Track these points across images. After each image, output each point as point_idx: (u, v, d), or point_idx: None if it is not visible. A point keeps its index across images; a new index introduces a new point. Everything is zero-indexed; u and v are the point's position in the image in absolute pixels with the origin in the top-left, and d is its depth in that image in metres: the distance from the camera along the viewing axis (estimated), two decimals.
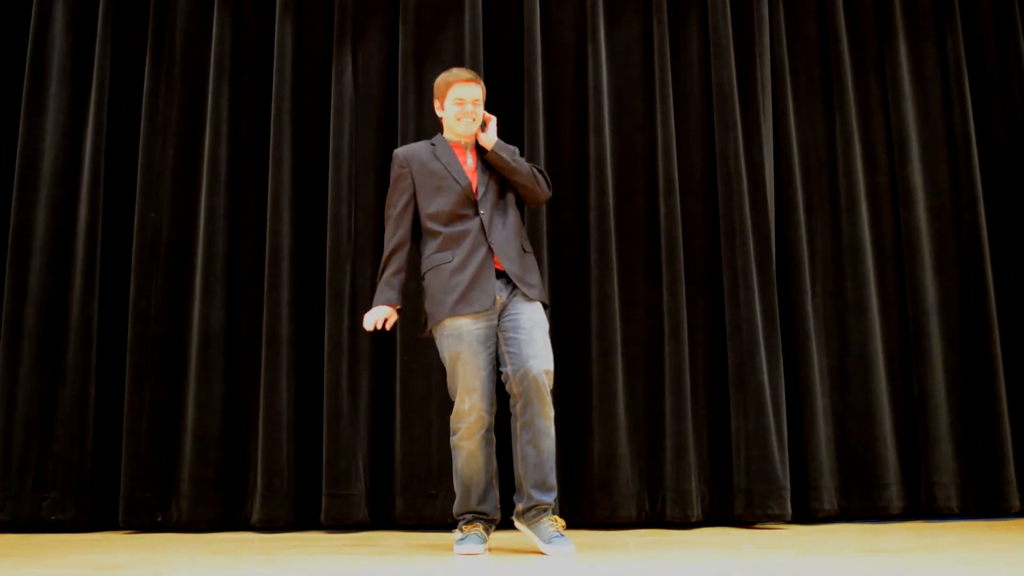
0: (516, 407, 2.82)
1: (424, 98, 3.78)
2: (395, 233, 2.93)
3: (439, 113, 3.06)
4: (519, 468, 2.81)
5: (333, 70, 3.76)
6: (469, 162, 2.99)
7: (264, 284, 3.63)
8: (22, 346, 3.66)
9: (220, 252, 3.69)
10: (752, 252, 3.67)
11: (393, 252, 2.91)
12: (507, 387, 2.86)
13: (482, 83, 3.03)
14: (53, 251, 3.74)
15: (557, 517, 2.81)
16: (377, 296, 2.90)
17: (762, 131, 3.79)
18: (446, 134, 3.05)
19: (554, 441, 2.82)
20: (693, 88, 3.85)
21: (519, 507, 2.83)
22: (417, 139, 3.68)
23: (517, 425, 2.82)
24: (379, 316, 2.87)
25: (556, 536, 2.74)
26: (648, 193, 3.74)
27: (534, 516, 2.79)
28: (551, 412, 2.81)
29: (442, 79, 3.03)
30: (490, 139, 2.98)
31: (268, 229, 3.66)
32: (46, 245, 3.74)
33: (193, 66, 3.86)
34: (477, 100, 2.98)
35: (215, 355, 3.62)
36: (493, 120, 3.02)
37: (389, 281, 2.89)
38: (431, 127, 3.68)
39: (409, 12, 3.82)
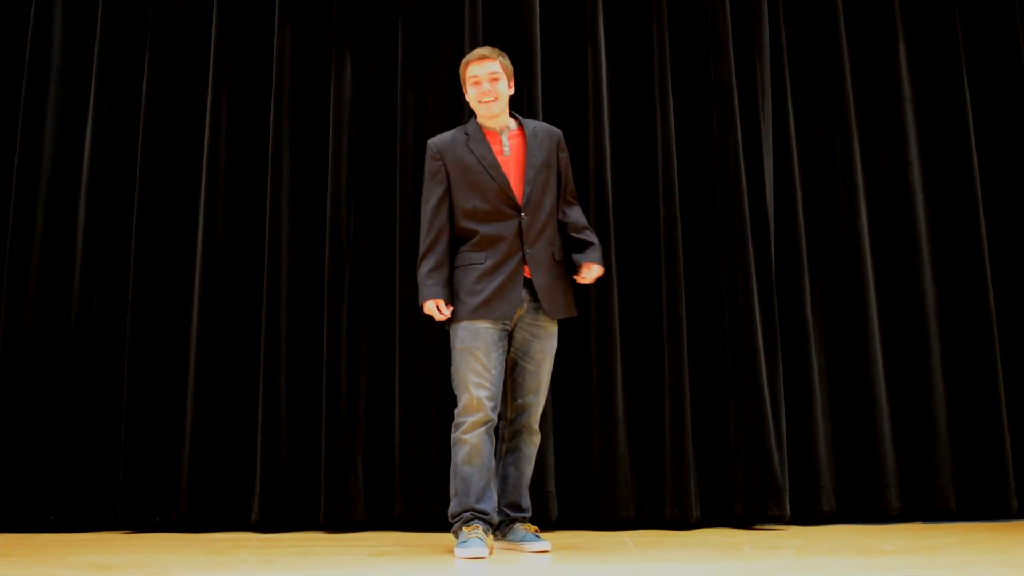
0: (504, 431, 2.94)
1: (424, 98, 3.78)
2: (432, 227, 2.85)
3: (467, 99, 2.99)
4: (497, 486, 2.89)
5: (332, 71, 3.76)
6: (505, 150, 2.90)
7: (263, 284, 3.63)
8: (21, 345, 3.66)
9: (219, 252, 3.69)
10: (751, 253, 3.66)
11: (431, 246, 2.84)
12: (500, 408, 2.89)
13: (501, 57, 2.92)
14: (52, 251, 3.75)
15: (529, 524, 2.93)
16: (423, 292, 2.83)
17: (762, 131, 3.79)
18: (479, 119, 2.96)
19: (533, 466, 2.97)
20: (693, 87, 3.85)
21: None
22: (416, 140, 3.69)
23: (503, 447, 2.94)
24: (434, 310, 2.80)
25: (530, 536, 2.87)
26: (647, 193, 3.74)
27: (507, 525, 2.92)
28: (538, 440, 2.96)
29: (462, 63, 2.97)
30: (597, 271, 2.94)
31: (267, 229, 3.66)
32: (45, 245, 3.74)
33: (193, 66, 3.85)
34: (495, 76, 2.88)
35: (214, 355, 3.62)
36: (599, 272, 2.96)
37: (431, 275, 2.82)
38: (431, 127, 3.67)
39: (408, 12, 3.81)
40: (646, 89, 3.81)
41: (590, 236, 2.99)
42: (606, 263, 3.59)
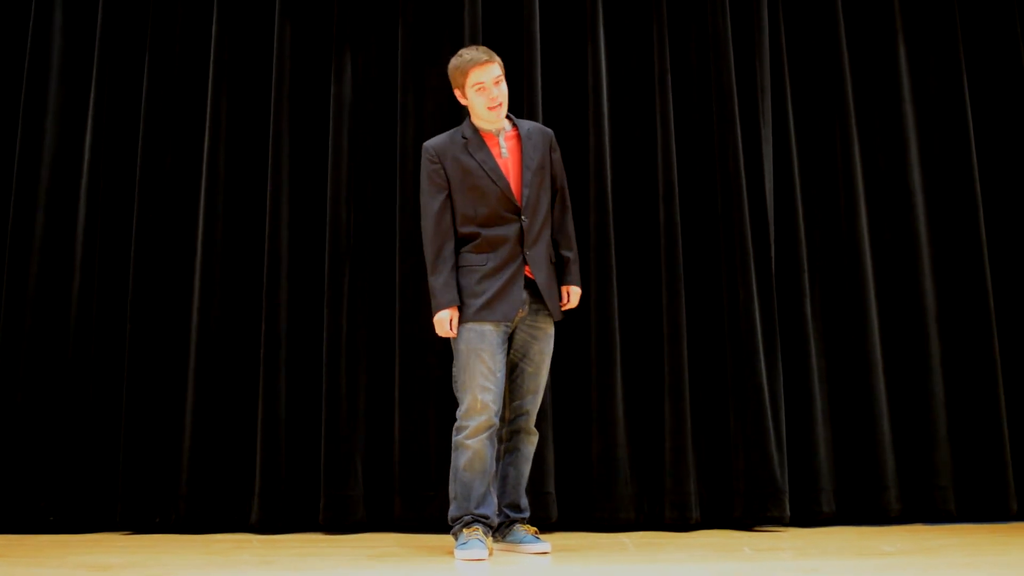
0: (503, 430, 2.94)
1: (423, 99, 3.77)
2: (438, 234, 2.83)
3: (462, 102, 2.93)
4: (496, 487, 2.89)
5: (332, 71, 3.76)
6: (503, 152, 2.89)
7: (263, 284, 3.63)
8: (21, 345, 3.66)
9: (219, 253, 3.69)
10: (751, 254, 3.66)
11: (440, 253, 2.82)
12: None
13: (497, 58, 2.88)
14: (52, 251, 3.75)
15: (528, 525, 2.94)
16: (439, 296, 2.80)
17: (762, 132, 3.79)
18: (474, 120, 2.92)
19: (531, 465, 2.97)
20: (693, 88, 3.85)
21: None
22: (416, 140, 3.68)
23: (501, 447, 2.95)
24: (445, 323, 2.79)
25: (529, 537, 2.88)
26: (647, 194, 3.74)
27: (507, 526, 2.92)
28: (536, 440, 2.98)
29: (456, 67, 2.88)
30: (576, 295, 3.00)
31: (267, 230, 3.65)
32: (45, 245, 3.74)
33: (193, 66, 3.85)
34: (499, 79, 2.85)
35: (213, 355, 3.62)
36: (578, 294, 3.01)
37: (448, 282, 2.80)
38: (431, 128, 3.67)
39: (408, 12, 3.81)
40: (646, 90, 3.81)
41: (568, 249, 2.99)
42: (605, 264, 3.61)
